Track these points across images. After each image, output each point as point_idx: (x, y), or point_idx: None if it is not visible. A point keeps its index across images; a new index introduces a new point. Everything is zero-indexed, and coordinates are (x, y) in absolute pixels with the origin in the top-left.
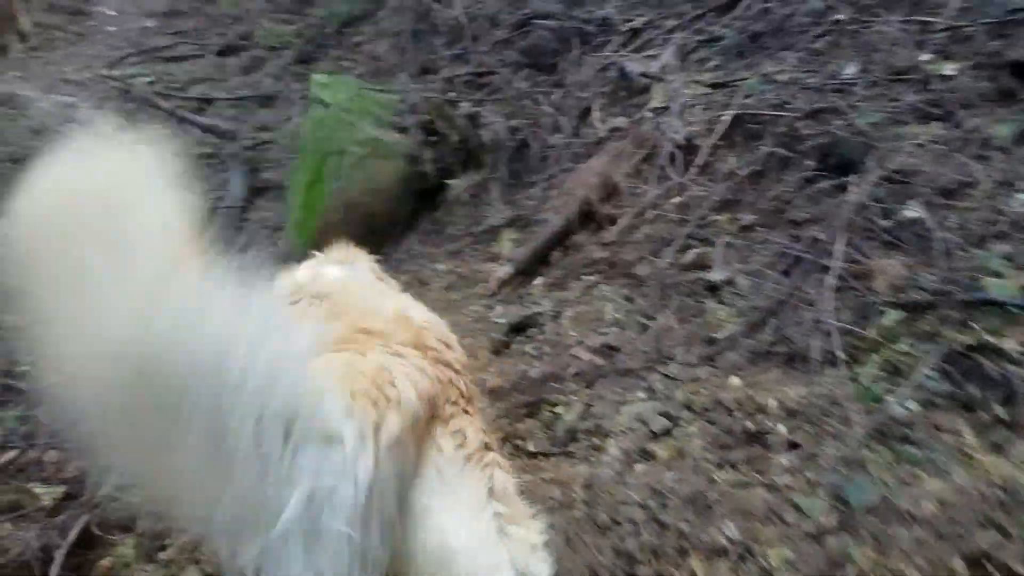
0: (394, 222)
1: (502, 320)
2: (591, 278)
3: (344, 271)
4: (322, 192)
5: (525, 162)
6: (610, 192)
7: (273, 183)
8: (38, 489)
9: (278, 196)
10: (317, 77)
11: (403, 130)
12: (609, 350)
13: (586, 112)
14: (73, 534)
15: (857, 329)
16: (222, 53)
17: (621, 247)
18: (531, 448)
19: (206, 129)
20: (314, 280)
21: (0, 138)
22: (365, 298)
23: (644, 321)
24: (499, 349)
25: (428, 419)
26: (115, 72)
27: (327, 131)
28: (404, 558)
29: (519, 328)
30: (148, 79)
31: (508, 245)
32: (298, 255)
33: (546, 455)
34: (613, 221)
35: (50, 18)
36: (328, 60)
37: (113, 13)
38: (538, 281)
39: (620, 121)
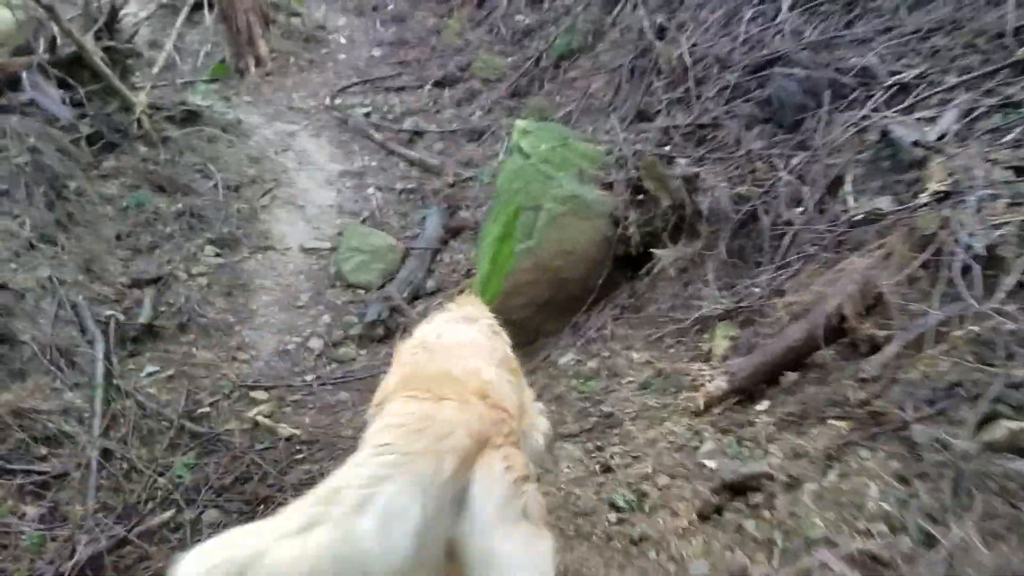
0: (587, 290)
1: (712, 466)
2: (841, 425)
3: (462, 330)
4: (511, 249)
5: (752, 239)
6: (872, 304)
7: (469, 223)
8: None
9: (472, 239)
10: (520, 123)
11: (608, 186)
12: (874, 562)
13: (836, 184)
14: None
15: None
16: (439, 84)
17: (888, 389)
18: None
19: (413, 163)
20: (435, 336)
21: (220, 163)
22: (461, 355)
23: (928, 527)
24: (707, 512)
25: (480, 448)
26: (337, 101)
27: (523, 183)
28: (459, 543)
29: (737, 489)
30: (366, 109)
31: (723, 345)
32: None
33: None
34: (876, 347)
35: (286, 44)
36: (541, 95)
37: (344, 41)
38: (762, 408)
39: (883, 203)
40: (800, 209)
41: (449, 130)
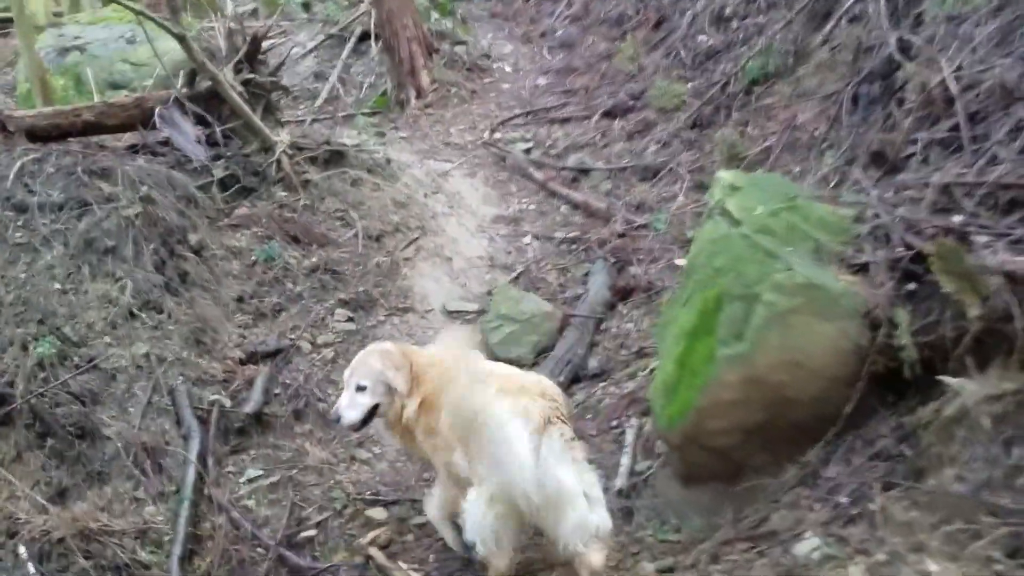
0: (824, 418)
1: None
2: None
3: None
4: (710, 351)
5: None
6: None
7: (642, 284)
8: None
9: (646, 304)
10: (725, 175)
11: (860, 270)
12: None
13: None
14: None
15: None
16: (608, 115)
17: None
18: None
19: (576, 205)
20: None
21: (363, 209)
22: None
23: None
24: None
25: (545, 424)
26: (496, 135)
27: (731, 259)
28: (539, 487)
29: None
30: (527, 144)
31: None
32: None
33: None
34: None
35: (449, 74)
36: (729, 126)
37: (509, 70)
38: None
39: None
40: None
41: (619, 167)
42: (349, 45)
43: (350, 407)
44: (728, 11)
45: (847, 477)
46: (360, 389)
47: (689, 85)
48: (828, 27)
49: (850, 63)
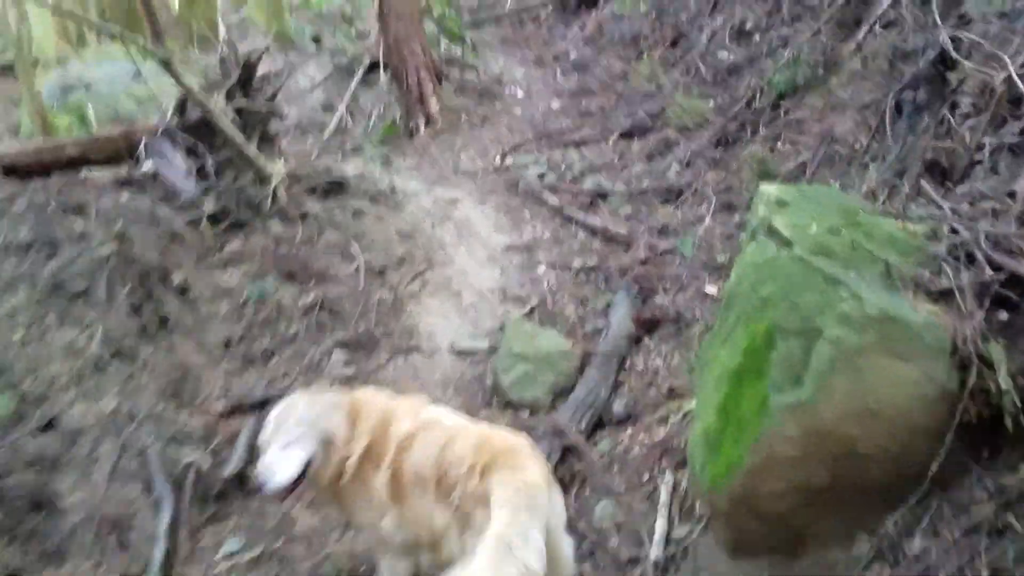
0: (905, 477)
1: None
2: None
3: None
4: (762, 398)
5: None
6: None
7: (669, 314)
8: None
9: (675, 336)
10: (770, 189)
11: (941, 296)
12: None
13: None
14: None
15: None
16: (626, 135)
17: None
18: None
19: (594, 231)
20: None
21: (365, 242)
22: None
23: None
24: None
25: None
26: (508, 160)
27: (782, 288)
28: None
29: None
30: (540, 169)
31: None
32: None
33: None
34: None
35: (459, 100)
36: (757, 142)
37: (521, 94)
38: None
39: None
40: None
41: (639, 190)
42: (358, 75)
43: (278, 467)
44: (749, 25)
45: (941, 554)
46: (288, 445)
47: (711, 102)
48: (860, 34)
49: (887, 70)
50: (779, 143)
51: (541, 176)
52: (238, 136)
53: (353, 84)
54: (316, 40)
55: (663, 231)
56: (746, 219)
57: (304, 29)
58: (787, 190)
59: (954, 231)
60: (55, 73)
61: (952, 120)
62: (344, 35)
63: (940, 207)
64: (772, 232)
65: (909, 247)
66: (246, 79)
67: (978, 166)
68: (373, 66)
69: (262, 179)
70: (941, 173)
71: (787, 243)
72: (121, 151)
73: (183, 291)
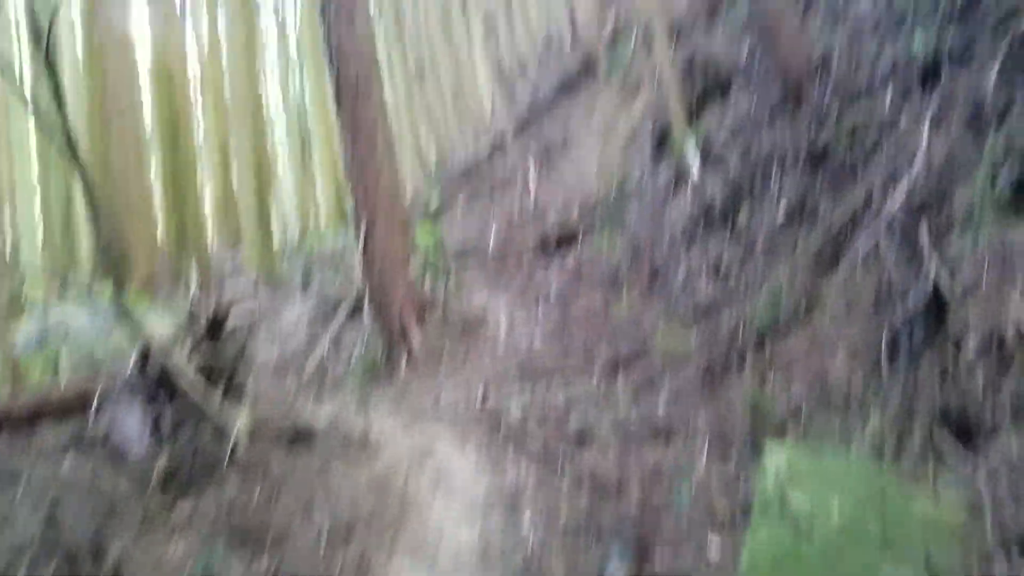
0: None
1: None
2: None
3: None
4: None
5: None
6: None
7: (676, 573)
8: None
9: None
10: (776, 454)
11: None
12: None
13: None
14: None
15: None
16: (611, 370)
17: None
18: None
19: (581, 477)
20: None
21: (332, 496)
22: None
23: None
24: None
25: None
26: (489, 398)
27: None
28: None
29: None
30: (523, 406)
31: None
32: None
33: None
34: None
35: (441, 336)
36: (744, 380)
37: (504, 330)
38: None
39: None
40: None
41: (626, 429)
42: (342, 314)
43: None
44: (724, 264)
45: None
46: None
47: (693, 338)
48: (840, 272)
49: (872, 308)
50: (767, 383)
51: (524, 415)
52: (196, 393)
53: (337, 322)
54: (305, 280)
55: (655, 475)
56: (750, 481)
57: (295, 269)
58: (797, 455)
59: (999, 507)
60: (35, 318)
61: (958, 362)
62: (332, 274)
63: (967, 466)
64: (786, 513)
65: (949, 531)
66: (214, 332)
67: (999, 411)
68: (358, 304)
69: (222, 433)
70: (956, 423)
71: (806, 530)
72: (74, 405)
73: (116, 569)
